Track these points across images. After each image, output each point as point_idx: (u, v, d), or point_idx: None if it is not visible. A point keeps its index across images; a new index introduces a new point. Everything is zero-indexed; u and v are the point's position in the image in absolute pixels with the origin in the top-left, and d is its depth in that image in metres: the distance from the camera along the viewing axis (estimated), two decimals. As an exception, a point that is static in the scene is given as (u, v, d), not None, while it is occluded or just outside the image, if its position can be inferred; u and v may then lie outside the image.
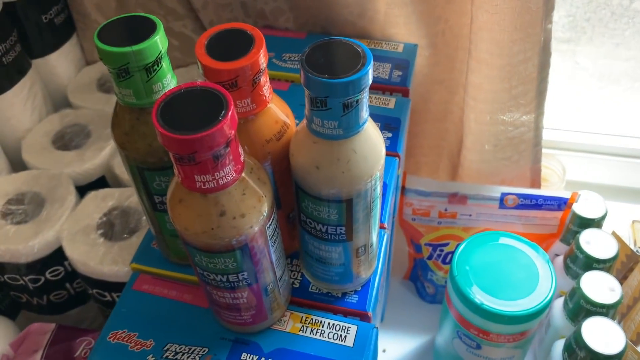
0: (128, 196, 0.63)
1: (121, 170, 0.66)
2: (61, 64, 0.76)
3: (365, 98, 0.35)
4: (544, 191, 0.69)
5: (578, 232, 0.72)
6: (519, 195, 0.70)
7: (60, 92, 0.77)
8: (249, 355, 0.43)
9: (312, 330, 0.45)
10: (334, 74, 0.33)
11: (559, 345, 0.62)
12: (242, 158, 0.34)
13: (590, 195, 0.71)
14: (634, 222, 0.79)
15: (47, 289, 0.64)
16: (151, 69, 0.36)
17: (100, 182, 0.69)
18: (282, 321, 0.45)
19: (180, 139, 0.29)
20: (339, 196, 0.38)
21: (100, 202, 0.62)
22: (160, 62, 0.37)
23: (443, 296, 0.79)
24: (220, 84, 0.34)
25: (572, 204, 0.70)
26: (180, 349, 0.44)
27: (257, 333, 0.45)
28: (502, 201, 0.70)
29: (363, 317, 0.46)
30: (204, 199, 0.33)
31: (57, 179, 0.64)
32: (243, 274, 0.38)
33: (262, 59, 0.35)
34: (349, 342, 0.44)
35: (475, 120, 0.65)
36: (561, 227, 0.72)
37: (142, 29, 0.36)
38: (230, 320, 0.43)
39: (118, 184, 0.69)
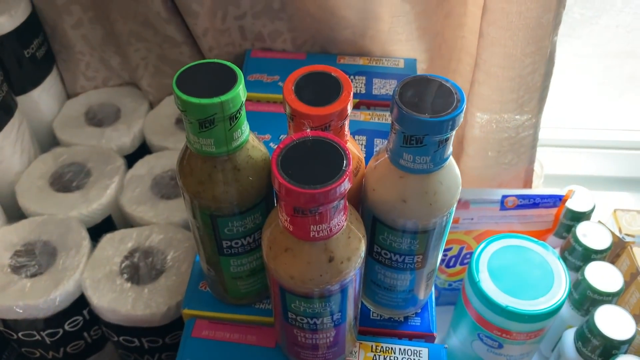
0: (147, 236, 0.60)
1: (132, 208, 0.63)
2: (43, 99, 0.72)
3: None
4: (540, 190, 0.73)
5: (570, 226, 0.76)
6: (519, 197, 0.73)
7: (45, 130, 0.73)
8: (328, 391, 0.43)
9: (384, 358, 0.45)
10: (432, 113, 0.33)
11: (570, 335, 0.66)
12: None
13: (577, 189, 0.76)
14: (615, 210, 0.85)
15: (65, 341, 0.61)
16: (234, 117, 0.35)
17: (107, 223, 0.66)
18: (354, 352, 0.45)
19: (308, 193, 0.29)
20: (423, 227, 0.39)
21: (119, 244, 0.60)
22: (242, 110, 0.36)
23: (447, 299, 0.81)
24: (312, 129, 0.34)
25: (566, 200, 0.74)
26: (257, 393, 0.43)
27: (331, 367, 0.44)
28: (502, 203, 0.73)
29: (428, 338, 0.47)
30: (313, 247, 0.33)
31: (66, 224, 0.61)
32: (338, 315, 0.38)
33: (351, 102, 0.35)
34: (424, 365, 0.45)
35: (481, 129, 0.67)
36: (556, 222, 0.76)
37: (220, 77, 0.35)
38: (308, 359, 0.43)
39: (126, 222, 0.66)
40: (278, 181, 0.29)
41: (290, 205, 0.31)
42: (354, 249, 0.34)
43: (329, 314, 0.37)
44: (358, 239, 0.35)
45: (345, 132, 0.37)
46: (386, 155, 0.38)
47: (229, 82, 0.35)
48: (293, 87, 0.35)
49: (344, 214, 0.33)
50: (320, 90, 0.35)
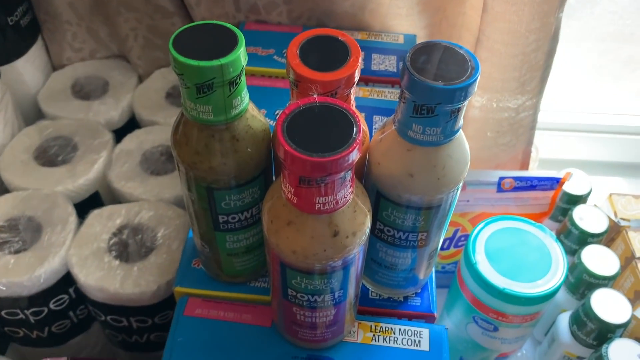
0: (137, 212, 0.58)
1: (121, 184, 0.61)
2: (28, 70, 0.69)
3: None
4: (538, 172, 0.72)
5: (566, 209, 0.76)
6: (516, 178, 0.72)
7: (30, 102, 0.70)
8: (326, 372, 0.42)
9: (384, 339, 0.44)
10: (445, 80, 0.31)
11: (564, 318, 0.65)
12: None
13: (574, 172, 0.75)
14: (611, 194, 0.84)
15: (50, 321, 0.59)
16: (234, 82, 0.33)
17: (94, 199, 0.63)
18: (352, 332, 0.44)
19: (315, 161, 0.27)
20: (429, 203, 0.37)
21: (106, 221, 0.57)
22: (242, 75, 0.34)
23: (440, 281, 0.80)
24: (318, 95, 0.32)
25: (564, 182, 0.73)
26: (252, 374, 0.41)
27: (329, 348, 0.43)
28: (499, 185, 0.72)
29: (428, 319, 0.46)
30: (317, 220, 0.31)
31: (52, 200, 0.59)
32: (339, 292, 0.36)
33: (360, 68, 0.33)
34: (424, 346, 0.43)
35: (481, 109, 0.66)
36: (552, 205, 0.75)
37: (220, 39, 0.33)
38: (306, 338, 0.41)
39: (114, 199, 0.64)
40: (283, 148, 0.28)
41: (296, 175, 0.29)
42: (359, 223, 0.33)
43: (330, 292, 0.36)
44: (364, 214, 0.33)
45: (352, 103, 0.35)
46: (393, 127, 0.36)
47: (229, 44, 0.33)
48: (298, 51, 0.33)
49: (351, 186, 0.31)
50: (327, 54, 0.33)
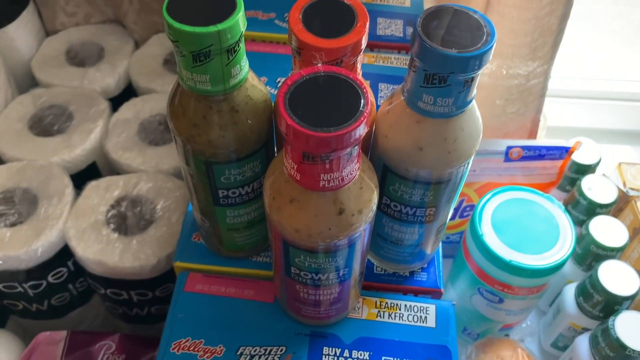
0: (135, 183, 0.56)
1: (118, 154, 0.59)
2: (20, 35, 0.66)
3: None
4: (546, 141, 0.70)
5: (575, 179, 0.74)
6: (524, 148, 0.70)
7: (23, 69, 0.68)
8: (330, 349, 0.41)
9: (389, 315, 0.43)
10: (459, 48, 0.29)
11: (570, 289, 0.64)
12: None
13: (584, 141, 0.73)
14: (620, 164, 0.82)
15: (49, 294, 0.58)
16: (232, 50, 0.31)
17: (92, 170, 0.62)
18: (357, 308, 0.43)
19: (320, 136, 0.25)
20: (438, 177, 0.35)
21: (104, 192, 0.56)
22: (241, 42, 0.32)
23: (445, 252, 0.79)
24: (322, 64, 0.30)
25: (573, 152, 0.71)
26: (255, 351, 0.40)
27: (333, 324, 0.42)
28: (507, 154, 0.70)
29: (435, 294, 0.45)
30: (322, 198, 0.30)
31: (48, 171, 0.57)
32: (344, 270, 0.35)
33: (367, 34, 0.31)
34: (431, 322, 0.42)
35: (489, 76, 0.63)
36: (560, 175, 0.74)
37: (217, 3, 0.31)
38: (310, 315, 0.40)
39: (111, 170, 0.62)
40: (285, 122, 0.26)
41: (299, 151, 0.27)
42: (366, 200, 0.31)
43: (335, 270, 0.34)
44: (370, 190, 0.31)
45: (358, 72, 0.33)
46: (402, 98, 0.34)
47: (227, 9, 0.30)
48: (300, 17, 0.31)
49: (357, 162, 0.29)
50: (332, 19, 0.31)
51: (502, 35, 0.59)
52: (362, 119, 0.26)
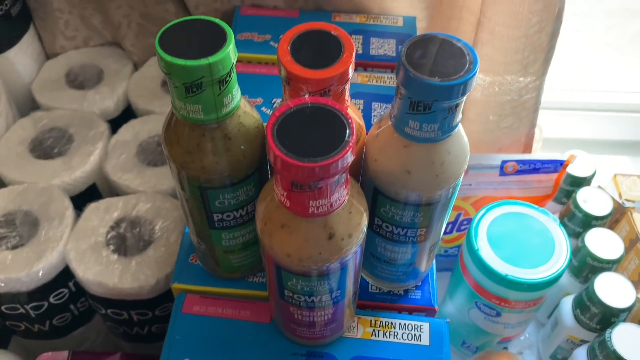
0: (134, 205, 0.57)
1: (118, 175, 0.60)
2: (20, 59, 0.68)
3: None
4: (541, 155, 0.71)
5: (570, 191, 0.75)
6: (519, 162, 0.70)
7: (24, 92, 0.69)
8: (326, 368, 0.41)
9: (384, 334, 0.43)
10: (442, 76, 0.30)
11: (567, 302, 0.65)
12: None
13: (578, 153, 0.73)
14: (616, 175, 0.83)
15: (51, 314, 0.58)
16: (224, 81, 0.32)
17: (91, 191, 0.63)
18: (352, 327, 0.44)
19: (307, 167, 0.26)
20: (428, 199, 0.36)
21: (104, 214, 0.57)
22: (232, 73, 0.32)
23: (443, 265, 0.80)
24: (310, 94, 0.31)
25: (567, 165, 0.72)
26: (252, 371, 0.41)
27: (328, 344, 0.43)
28: (502, 168, 0.71)
29: (429, 312, 0.45)
30: (311, 223, 0.31)
31: (48, 193, 0.58)
32: (337, 292, 0.36)
33: (354, 64, 0.32)
34: (425, 340, 0.43)
35: (482, 92, 0.64)
36: (555, 188, 0.74)
37: (208, 35, 0.32)
38: (305, 336, 0.41)
39: (111, 190, 0.63)
40: (273, 153, 0.27)
41: (287, 180, 0.28)
42: (355, 224, 0.32)
43: (328, 292, 0.35)
44: (360, 214, 0.32)
45: (346, 98, 0.34)
46: (389, 123, 0.35)
47: (218, 41, 0.31)
48: (289, 48, 0.32)
49: (346, 187, 0.30)
50: (319, 50, 0.32)
51: (493, 52, 0.60)
52: (347, 148, 0.27)
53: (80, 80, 0.69)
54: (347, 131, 0.27)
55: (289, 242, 0.31)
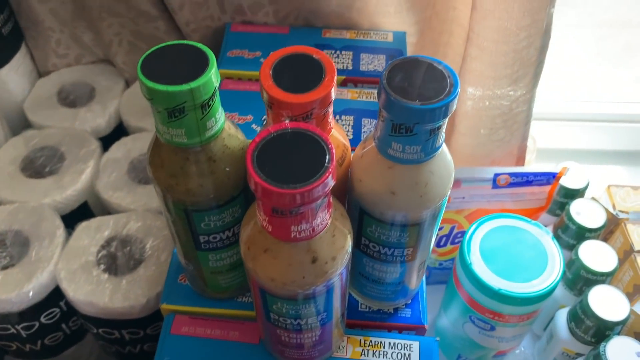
0: (125, 223, 0.57)
1: (109, 194, 0.60)
2: (13, 78, 0.68)
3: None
4: (534, 168, 0.71)
5: (564, 203, 0.75)
6: (511, 174, 0.70)
7: (16, 111, 0.69)
8: (315, 389, 0.41)
9: (374, 353, 0.43)
10: (423, 99, 0.30)
11: (562, 315, 0.64)
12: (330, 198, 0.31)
13: (571, 165, 0.73)
14: (609, 186, 0.83)
15: (42, 334, 0.58)
16: (207, 105, 0.32)
17: (83, 210, 0.62)
18: (341, 347, 0.43)
19: (287, 193, 0.26)
20: (414, 219, 0.36)
21: (95, 233, 0.57)
22: (215, 97, 0.33)
23: (438, 278, 0.79)
24: (292, 118, 0.31)
25: (560, 177, 0.72)
26: (240, 393, 0.41)
27: (318, 364, 0.42)
28: (494, 181, 0.71)
29: (419, 330, 0.45)
30: (294, 247, 0.31)
31: (39, 213, 0.58)
32: (323, 314, 0.35)
33: (335, 87, 0.32)
34: (415, 359, 0.43)
35: (473, 106, 0.64)
36: (549, 200, 0.74)
37: (190, 60, 0.32)
38: (294, 357, 0.41)
39: (102, 208, 0.63)
40: (254, 180, 0.27)
41: (268, 206, 0.28)
42: (339, 247, 0.32)
43: (315, 314, 0.35)
44: (344, 236, 0.32)
45: (329, 120, 0.34)
46: (373, 144, 0.35)
47: (200, 66, 0.31)
48: (270, 72, 0.32)
49: (328, 211, 0.30)
50: (301, 74, 0.32)
51: (482, 67, 0.60)
52: (327, 174, 0.27)
53: (72, 98, 0.69)
54: (327, 157, 0.27)
55: (272, 266, 0.31)
